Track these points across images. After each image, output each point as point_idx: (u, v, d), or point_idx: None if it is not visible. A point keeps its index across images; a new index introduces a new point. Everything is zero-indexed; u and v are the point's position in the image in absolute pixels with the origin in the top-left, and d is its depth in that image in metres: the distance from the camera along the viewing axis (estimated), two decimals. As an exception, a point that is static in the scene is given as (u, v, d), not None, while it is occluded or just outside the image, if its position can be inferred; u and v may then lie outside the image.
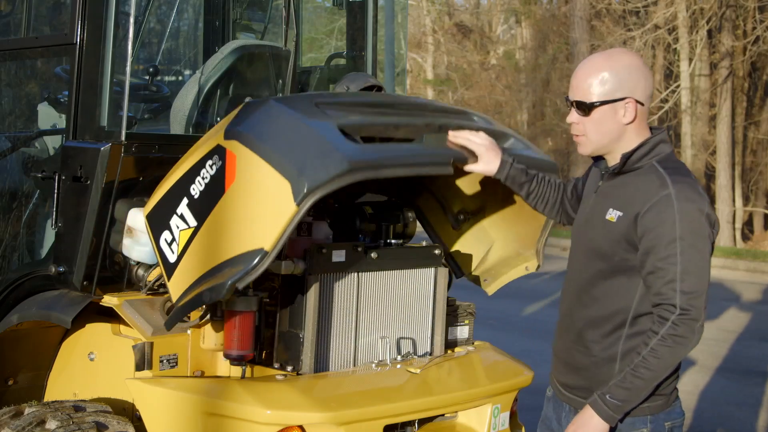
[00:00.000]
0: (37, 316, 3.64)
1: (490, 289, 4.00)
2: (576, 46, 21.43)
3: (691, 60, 19.14)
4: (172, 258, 3.30)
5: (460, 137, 3.28)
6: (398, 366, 3.56)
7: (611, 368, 2.80)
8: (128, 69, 3.55)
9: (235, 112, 3.31)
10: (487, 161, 3.22)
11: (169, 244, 3.31)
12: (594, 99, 2.77)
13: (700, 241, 2.68)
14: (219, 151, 3.19)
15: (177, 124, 3.90)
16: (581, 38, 21.08)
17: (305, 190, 2.97)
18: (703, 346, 8.78)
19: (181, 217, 3.27)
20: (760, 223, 20.31)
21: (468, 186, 4.01)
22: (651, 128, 2.86)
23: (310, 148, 3.09)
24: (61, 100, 3.86)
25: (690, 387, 7.32)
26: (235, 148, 3.15)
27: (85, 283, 3.55)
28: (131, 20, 3.60)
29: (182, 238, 3.26)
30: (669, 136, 2.72)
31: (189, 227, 3.25)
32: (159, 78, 4.84)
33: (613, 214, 2.77)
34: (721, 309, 10.97)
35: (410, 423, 3.49)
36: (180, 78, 5.25)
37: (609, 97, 2.76)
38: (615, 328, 2.80)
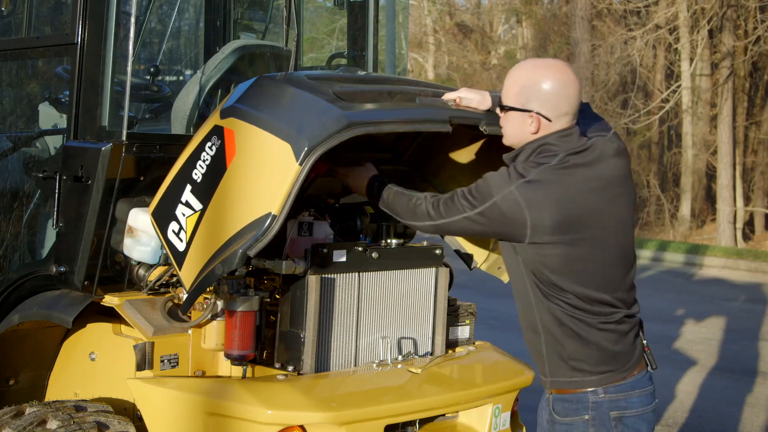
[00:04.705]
0: (38, 316, 3.64)
1: (506, 276, 3.99)
2: (577, 46, 21.43)
3: (692, 60, 19.14)
4: (181, 247, 3.29)
5: (451, 95, 3.44)
6: (399, 366, 3.56)
7: (539, 339, 3.02)
8: (129, 69, 3.55)
9: (228, 95, 3.32)
10: (479, 100, 3.41)
11: (177, 234, 3.30)
12: (507, 103, 2.99)
13: (479, 193, 2.93)
14: (217, 132, 3.20)
15: (178, 124, 3.90)
16: (582, 38, 21.07)
17: (306, 148, 2.99)
18: (703, 346, 8.79)
19: (186, 204, 3.27)
20: (761, 223, 20.30)
21: (471, 174, 4.02)
22: (556, 132, 2.96)
23: (306, 111, 3.13)
24: (62, 100, 3.85)
25: (690, 387, 7.32)
26: (232, 124, 3.16)
27: (86, 282, 3.55)
28: (132, 20, 3.60)
29: (189, 225, 3.26)
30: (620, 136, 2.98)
31: (195, 212, 3.25)
32: (160, 78, 4.84)
33: None
34: (722, 309, 10.96)
35: (411, 423, 3.49)
36: (181, 78, 5.25)
37: (519, 106, 2.96)
38: (526, 305, 3.02)
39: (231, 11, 4.98)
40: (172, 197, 3.32)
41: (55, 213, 3.60)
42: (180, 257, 3.30)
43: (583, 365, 2.92)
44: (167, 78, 5.19)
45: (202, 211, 3.23)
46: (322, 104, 3.14)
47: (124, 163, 3.49)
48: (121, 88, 3.56)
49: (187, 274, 3.28)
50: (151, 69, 4.63)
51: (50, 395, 3.84)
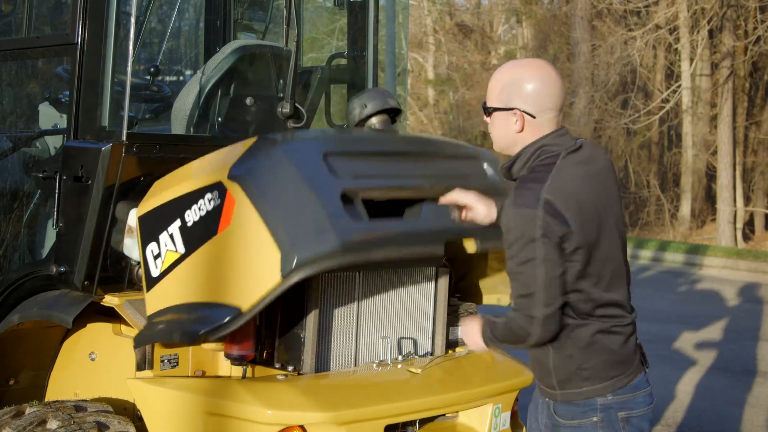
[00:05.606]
0: (38, 316, 3.64)
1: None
2: (577, 46, 21.43)
3: (692, 60, 19.14)
4: (154, 272, 3.34)
5: (450, 197, 3.34)
6: (399, 366, 3.56)
7: (547, 353, 2.94)
8: (129, 69, 3.55)
9: (244, 148, 3.27)
10: (486, 211, 3.30)
11: (155, 258, 3.34)
12: (491, 104, 2.96)
13: (527, 245, 2.77)
14: (220, 189, 3.19)
15: (178, 124, 3.90)
16: (582, 38, 21.08)
17: (293, 266, 3.01)
18: (703, 346, 8.78)
19: (171, 237, 3.30)
20: (761, 223, 20.29)
21: None
22: (552, 133, 2.92)
23: (308, 220, 3.10)
24: (63, 100, 3.86)
25: (690, 387, 7.32)
26: (236, 192, 3.15)
27: (86, 282, 3.55)
28: (132, 20, 3.60)
29: (167, 259, 3.30)
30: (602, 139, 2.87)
31: (176, 251, 3.28)
32: (160, 78, 4.84)
33: None
34: (722, 309, 10.96)
35: (411, 423, 3.50)
36: (181, 78, 5.25)
37: (502, 105, 2.93)
38: None
39: (231, 11, 4.97)
40: (161, 220, 3.35)
41: (55, 213, 3.60)
42: (151, 281, 3.35)
43: (593, 373, 2.89)
44: (167, 78, 5.20)
45: (182, 257, 3.27)
46: (324, 217, 3.11)
47: (124, 163, 3.49)
48: (121, 88, 3.57)
49: (152, 301, 3.33)
50: (151, 69, 4.63)
51: (50, 395, 3.84)
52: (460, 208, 3.34)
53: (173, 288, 3.29)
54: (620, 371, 2.92)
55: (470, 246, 3.52)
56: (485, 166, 3.76)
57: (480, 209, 3.28)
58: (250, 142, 3.30)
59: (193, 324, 3.15)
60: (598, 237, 2.85)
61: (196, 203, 3.24)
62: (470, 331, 3.07)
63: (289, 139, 3.43)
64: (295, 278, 3.02)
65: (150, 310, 3.34)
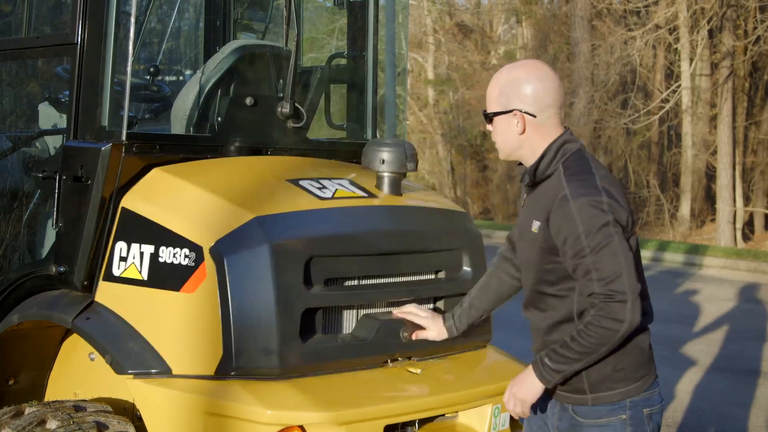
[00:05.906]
0: (37, 316, 3.64)
1: None
2: (577, 46, 21.45)
3: (692, 60, 19.14)
4: (115, 270, 3.44)
5: (404, 312, 3.30)
6: (399, 366, 3.56)
7: None
8: (129, 69, 3.55)
9: (238, 224, 3.28)
10: (437, 332, 3.27)
11: (120, 259, 3.42)
12: (491, 109, 2.94)
13: (600, 231, 2.72)
14: (199, 254, 3.24)
15: (178, 124, 3.90)
16: (582, 38, 21.10)
17: (227, 371, 3.19)
18: (703, 346, 8.78)
19: (141, 256, 3.36)
20: (761, 223, 20.31)
21: None
22: (565, 132, 2.92)
23: (260, 334, 3.21)
24: (62, 99, 3.86)
25: (690, 387, 7.32)
26: (210, 269, 3.21)
27: (86, 282, 3.55)
28: (132, 20, 3.60)
29: (130, 271, 3.39)
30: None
31: (140, 272, 3.36)
32: (160, 78, 4.84)
33: (535, 225, 2.87)
34: (722, 309, 10.97)
35: (411, 423, 3.49)
36: (181, 78, 5.25)
37: (501, 109, 2.91)
38: (568, 322, 2.87)
39: (231, 11, 4.98)
40: (140, 230, 3.40)
41: (55, 213, 3.60)
42: (109, 275, 3.45)
43: (627, 374, 2.87)
44: (167, 78, 5.20)
45: (142, 283, 3.35)
46: (275, 339, 3.21)
47: (123, 163, 3.49)
48: (121, 88, 3.57)
49: (104, 293, 3.44)
50: (151, 69, 4.63)
51: (50, 395, 3.84)
52: (413, 325, 3.29)
53: (124, 300, 3.39)
54: (647, 370, 2.91)
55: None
56: (465, 258, 3.81)
57: (432, 330, 3.25)
58: (246, 217, 3.30)
59: (125, 357, 3.29)
60: (634, 227, 2.86)
61: (174, 248, 3.30)
62: (518, 383, 2.87)
63: (282, 231, 3.36)
64: (225, 378, 3.18)
65: (99, 298, 3.45)
